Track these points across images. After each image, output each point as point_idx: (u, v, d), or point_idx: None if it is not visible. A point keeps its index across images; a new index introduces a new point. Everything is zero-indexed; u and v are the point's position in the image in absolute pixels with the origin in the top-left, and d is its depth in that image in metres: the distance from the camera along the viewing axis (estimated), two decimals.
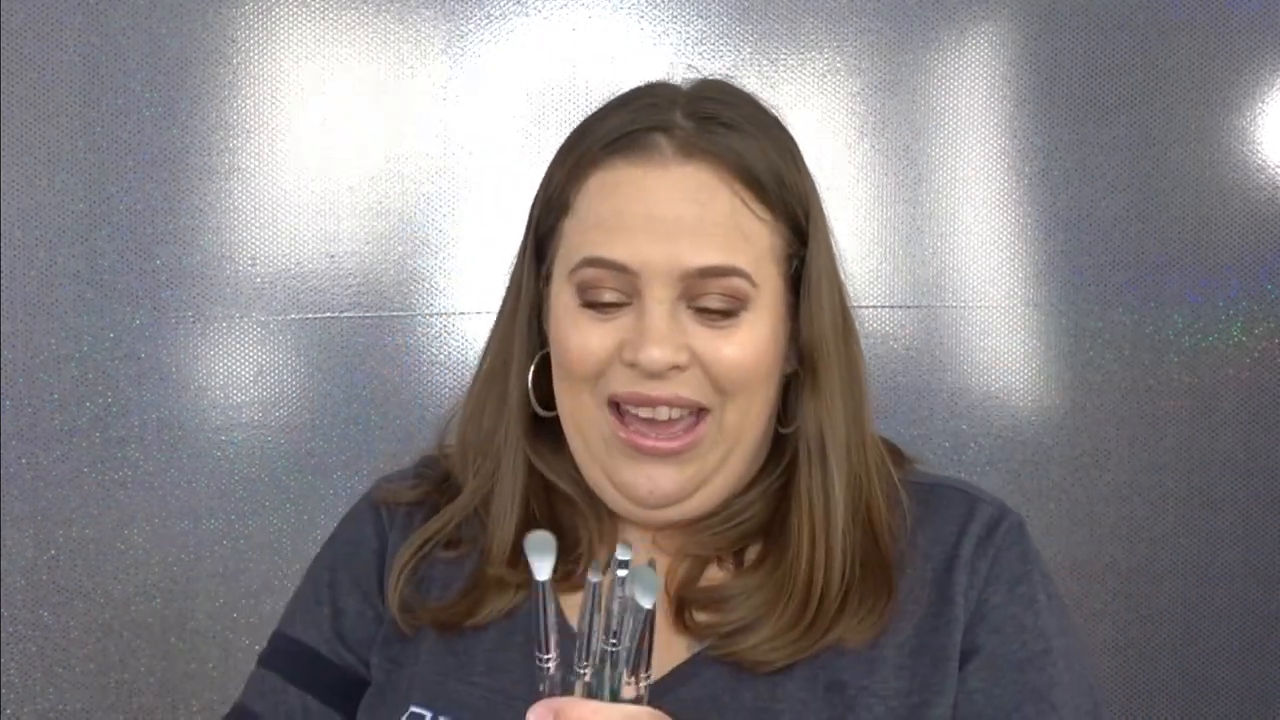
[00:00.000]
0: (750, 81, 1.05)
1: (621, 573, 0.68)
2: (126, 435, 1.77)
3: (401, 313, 1.81)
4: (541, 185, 1.03)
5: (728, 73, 1.07)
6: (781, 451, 1.03)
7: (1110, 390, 1.87)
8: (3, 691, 1.76)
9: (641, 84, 1.03)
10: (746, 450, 1.00)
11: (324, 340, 1.80)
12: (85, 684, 1.77)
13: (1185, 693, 1.88)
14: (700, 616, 0.97)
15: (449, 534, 1.05)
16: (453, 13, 1.81)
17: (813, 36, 1.84)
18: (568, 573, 1.00)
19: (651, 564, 0.68)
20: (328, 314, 1.80)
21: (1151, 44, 1.85)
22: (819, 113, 1.84)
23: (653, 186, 0.95)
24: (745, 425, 0.98)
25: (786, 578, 0.97)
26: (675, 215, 0.94)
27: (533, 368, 1.03)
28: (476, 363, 1.09)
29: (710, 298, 0.95)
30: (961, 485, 1.05)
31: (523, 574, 1.00)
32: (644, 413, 0.96)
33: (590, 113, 1.04)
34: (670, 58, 1.82)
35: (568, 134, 1.05)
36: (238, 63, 1.79)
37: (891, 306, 1.84)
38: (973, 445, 1.86)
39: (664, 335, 0.93)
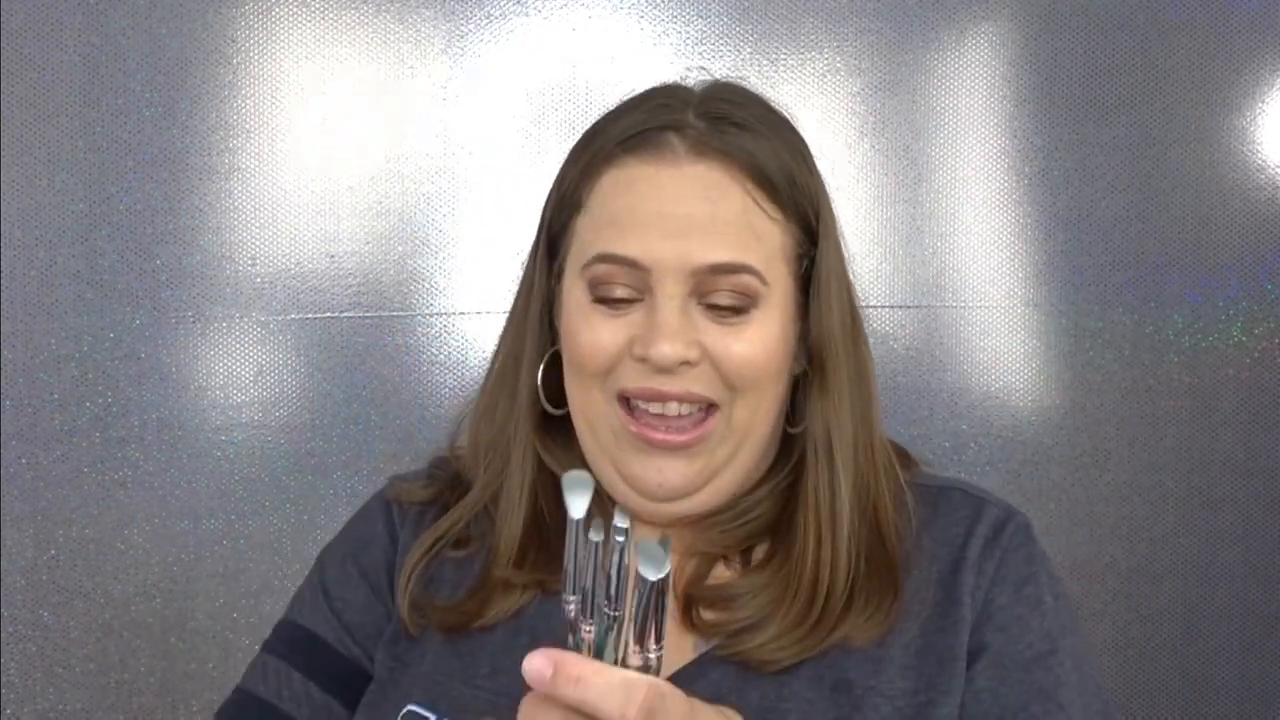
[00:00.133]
0: (750, 81, 1.05)
1: (619, 539, 0.67)
2: (126, 435, 1.77)
3: (401, 313, 1.81)
4: (554, 184, 1.04)
5: (728, 73, 1.07)
6: (789, 451, 1.04)
7: (1110, 390, 1.87)
8: (3, 691, 1.75)
9: (655, 85, 1.04)
10: (755, 447, 1.01)
11: (324, 340, 1.80)
12: (85, 684, 1.77)
13: (1185, 693, 1.88)
14: (707, 615, 0.97)
15: (458, 532, 1.06)
16: (453, 13, 1.81)
17: (813, 36, 1.84)
18: None
19: (664, 540, 0.67)
20: (328, 314, 1.80)
21: (1151, 44, 1.85)
22: (819, 113, 1.84)
23: (666, 184, 0.96)
24: (754, 422, 0.99)
25: (793, 576, 0.97)
26: (687, 213, 0.95)
27: (542, 365, 1.04)
28: (476, 363, 1.10)
29: (721, 294, 0.96)
30: (968, 487, 1.05)
31: (529, 575, 1.01)
32: (654, 408, 0.97)
33: (591, 112, 1.05)
34: (670, 58, 1.82)
35: (568, 134, 1.05)
36: (238, 63, 1.79)
37: (891, 306, 1.84)
38: (973, 445, 1.86)
39: (675, 330, 0.94)
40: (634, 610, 0.67)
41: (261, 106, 1.79)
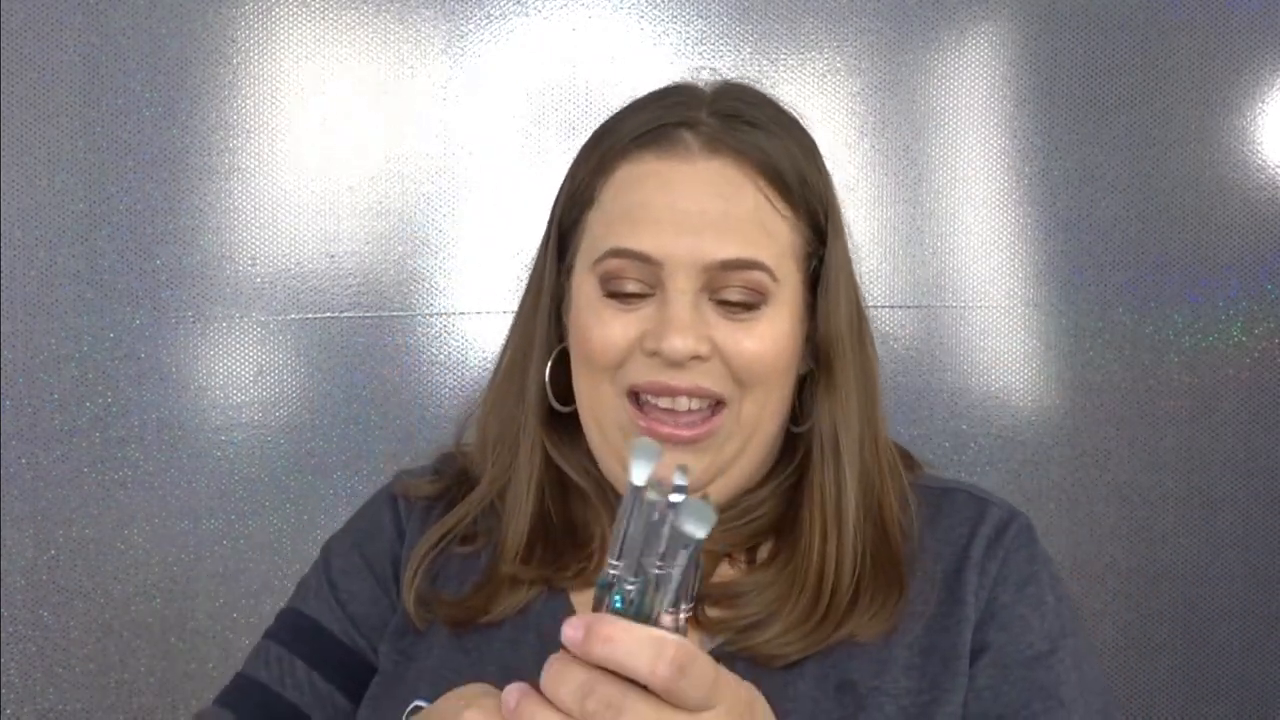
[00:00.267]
0: (750, 81, 1.06)
1: (677, 497, 0.67)
2: (126, 435, 1.77)
3: (401, 313, 1.81)
4: (565, 180, 1.05)
5: (728, 73, 1.08)
6: (794, 450, 1.04)
7: (1110, 390, 1.87)
8: (3, 691, 1.75)
9: (667, 84, 1.05)
10: (762, 444, 1.01)
11: (324, 340, 1.80)
12: (85, 684, 1.77)
13: (1185, 693, 1.88)
14: (713, 612, 0.97)
15: (465, 528, 1.06)
16: (453, 13, 1.81)
17: (813, 36, 1.84)
18: (580, 570, 1.01)
19: (705, 497, 0.67)
20: (328, 314, 1.80)
21: (1151, 44, 1.85)
22: (819, 113, 1.84)
23: (678, 180, 0.97)
24: (762, 418, 0.99)
25: (798, 572, 0.97)
26: (700, 209, 0.96)
27: (550, 362, 1.04)
28: (476, 363, 1.10)
29: (732, 290, 0.96)
30: (972, 489, 1.06)
31: (534, 572, 1.01)
32: (663, 403, 0.97)
33: (591, 112, 1.05)
34: (670, 58, 1.82)
35: (568, 134, 1.06)
36: (238, 63, 1.79)
37: (891, 306, 1.84)
38: (973, 445, 1.86)
39: (686, 325, 0.95)
40: (677, 570, 0.67)
41: (261, 106, 1.79)
